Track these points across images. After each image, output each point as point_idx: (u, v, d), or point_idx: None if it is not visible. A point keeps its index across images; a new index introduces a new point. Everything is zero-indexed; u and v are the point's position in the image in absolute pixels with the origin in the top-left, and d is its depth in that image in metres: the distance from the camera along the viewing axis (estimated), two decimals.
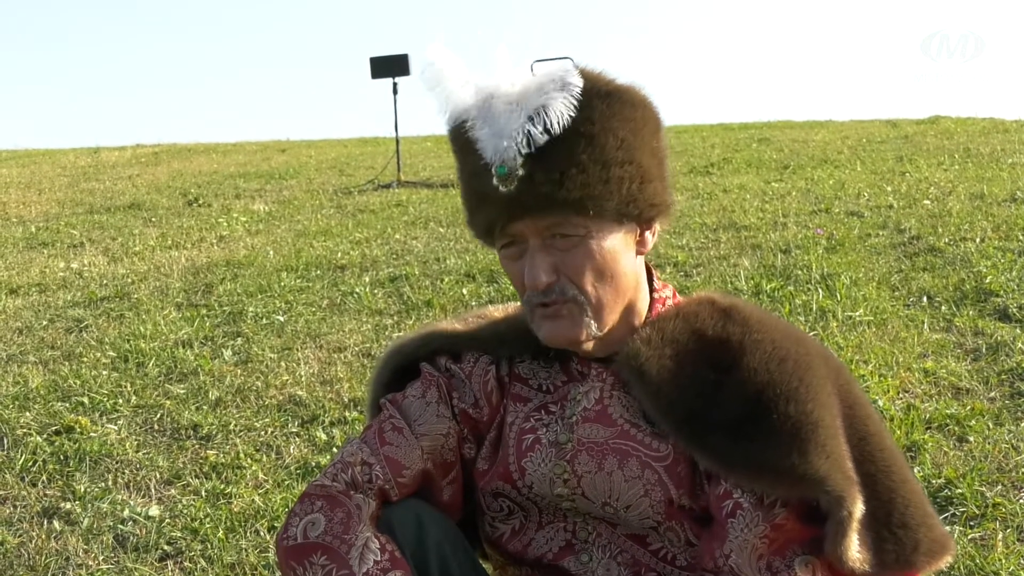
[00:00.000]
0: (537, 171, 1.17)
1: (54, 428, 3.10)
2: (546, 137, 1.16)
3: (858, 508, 1.15)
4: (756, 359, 1.23)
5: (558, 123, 1.16)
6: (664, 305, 1.34)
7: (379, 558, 1.18)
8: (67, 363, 3.78)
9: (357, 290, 4.69)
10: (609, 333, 1.27)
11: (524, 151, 1.17)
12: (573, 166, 1.18)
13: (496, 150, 1.18)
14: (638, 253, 1.28)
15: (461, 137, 1.24)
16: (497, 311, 1.48)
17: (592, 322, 1.24)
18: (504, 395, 1.37)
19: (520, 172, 1.17)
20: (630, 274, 1.26)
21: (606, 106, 1.20)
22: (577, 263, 1.21)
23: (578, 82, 1.18)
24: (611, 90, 1.22)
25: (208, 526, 2.44)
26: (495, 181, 1.19)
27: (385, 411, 1.37)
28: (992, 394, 3.01)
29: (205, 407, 3.25)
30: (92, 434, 3.04)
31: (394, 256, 5.50)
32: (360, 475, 1.28)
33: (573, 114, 1.17)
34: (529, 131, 1.16)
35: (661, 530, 1.27)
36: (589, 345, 1.28)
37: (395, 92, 9.46)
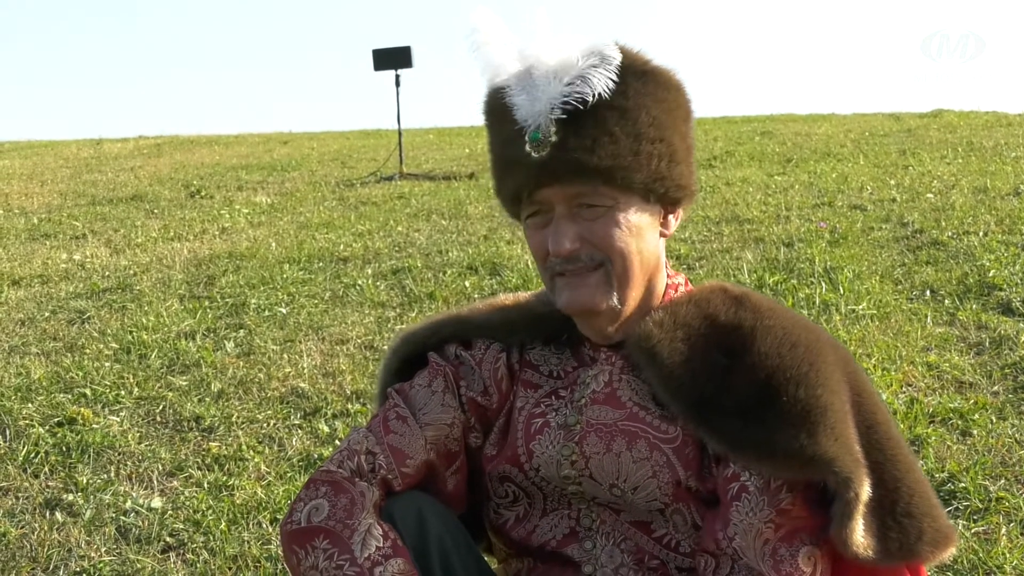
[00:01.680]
0: (570, 138, 1.20)
1: (56, 419, 3.10)
2: (582, 106, 1.19)
3: (865, 490, 1.16)
4: (767, 344, 1.24)
5: (595, 94, 1.18)
6: (676, 291, 1.35)
7: (381, 544, 1.19)
8: (69, 354, 3.78)
9: (359, 282, 4.69)
10: (625, 313, 1.28)
11: (558, 119, 1.19)
12: (605, 135, 1.20)
13: (531, 115, 1.21)
14: (661, 235, 1.30)
15: (497, 104, 1.26)
16: (507, 299, 1.48)
17: (615, 293, 1.25)
18: (514, 382, 1.38)
19: (553, 139, 1.20)
20: (653, 253, 1.28)
21: (641, 84, 1.23)
22: (604, 232, 1.23)
23: (617, 56, 1.21)
24: (648, 69, 1.25)
25: (210, 518, 2.44)
26: (527, 147, 1.21)
27: (391, 400, 1.37)
28: (995, 388, 3.00)
29: (207, 399, 3.25)
30: (94, 426, 3.04)
31: (396, 248, 5.49)
32: (365, 464, 1.29)
33: (610, 86, 1.19)
34: (565, 99, 1.19)
35: (668, 513, 1.27)
36: (605, 321, 1.29)
37: (397, 84, 9.43)
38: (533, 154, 1.20)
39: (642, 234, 1.25)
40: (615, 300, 1.26)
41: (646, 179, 1.23)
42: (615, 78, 1.20)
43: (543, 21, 1.25)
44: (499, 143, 1.29)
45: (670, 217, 1.30)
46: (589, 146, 1.19)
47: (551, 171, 1.21)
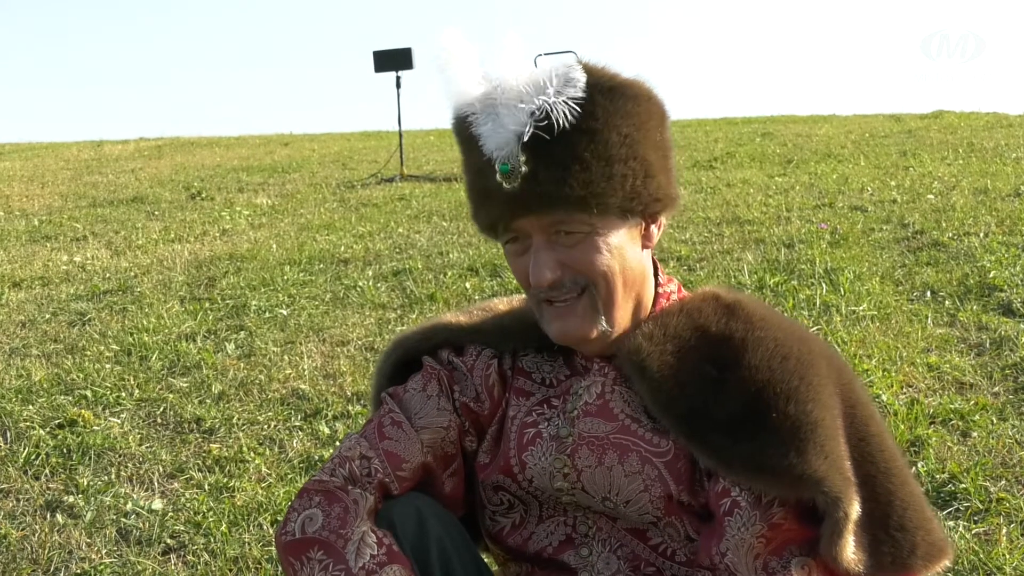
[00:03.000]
0: (540, 168, 1.16)
1: (57, 421, 3.10)
2: (548, 135, 1.15)
3: (854, 509, 1.15)
4: (758, 356, 1.23)
5: (562, 120, 1.15)
6: (668, 300, 1.33)
7: (376, 552, 1.18)
8: (70, 356, 3.78)
9: (360, 284, 4.70)
10: (616, 334, 1.27)
11: (527, 148, 1.16)
12: (576, 163, 1.16)
13: (498, 146, 1.17)
14: (644, 247, 1.28)
15: (465, 131, 1.23)
16: (502, 304, 1.47)
17: (602, 318, 1.23)
18: (506, 389, 1.37)
19: (523, 170, 1.16)
20: (637, 268, 1.26)
21: (609, 102, 1.19)
22: (584, 259, 1.21)
23: (581, 78, 1.17)
24: (614, 85, 1.20)
25: (211, 520, 2.44)
26: (498, 178, 1.18)
27: (385, 405, 1.36)
28: (996, 389, 3.00)
29: (208, 401, 3.25)
30: (95, 427, 3.04)
31: (397, 250, 5.49)
32: (359, 469, 1.28)
33: (576, 111, 1.15)
34: (532, 128, 1.15)
35: (661, 525, 1.27)
36: (598, 345, 1.28)
37: (398, 86, 9.44)
38: (504, 185, 1.17)
39: (624, 253, 1.22)
40: (604, 324, 1.24)
41: (622, 200, 1.19)
42: (582, 101, 1.16)
43: (513, 43, 1.20)
44: (471, 171, 1.26)
45: (652, 228, 1.27)
46: (560, 176, 1.16)
47: (524, 203, 1.18)
